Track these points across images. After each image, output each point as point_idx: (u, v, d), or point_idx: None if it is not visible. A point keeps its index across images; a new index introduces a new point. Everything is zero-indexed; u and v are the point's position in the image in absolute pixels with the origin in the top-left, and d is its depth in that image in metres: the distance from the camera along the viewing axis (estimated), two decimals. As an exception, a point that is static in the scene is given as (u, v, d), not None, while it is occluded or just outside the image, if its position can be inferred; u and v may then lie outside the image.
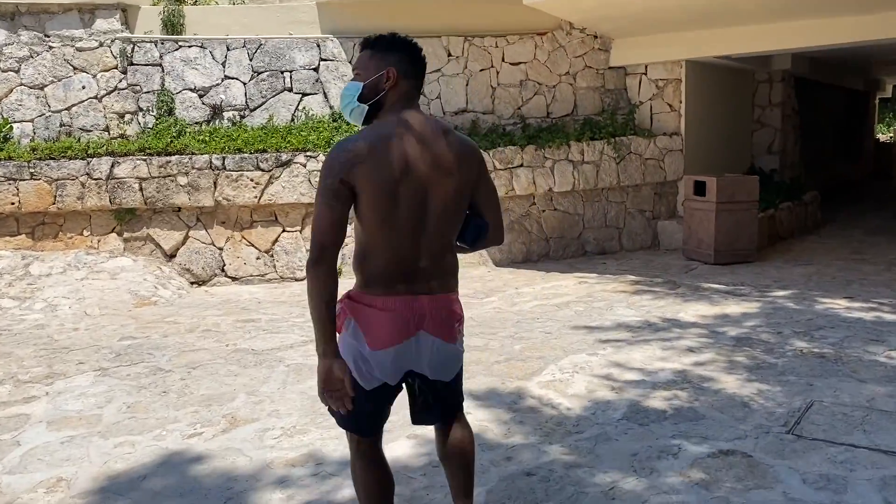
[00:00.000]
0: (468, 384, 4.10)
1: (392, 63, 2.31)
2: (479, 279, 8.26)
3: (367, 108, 2.33)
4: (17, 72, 8.78)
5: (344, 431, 2.51)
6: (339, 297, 2.30)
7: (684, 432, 3.83)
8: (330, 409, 2.35)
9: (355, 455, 2.46)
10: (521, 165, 9.10)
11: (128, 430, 4.14)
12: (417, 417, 2.54)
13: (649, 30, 9.41)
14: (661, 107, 9.93)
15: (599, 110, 10.01)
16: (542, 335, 5.74)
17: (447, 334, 2.40)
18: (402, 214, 2.24)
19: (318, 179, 2.23)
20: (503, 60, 9.74)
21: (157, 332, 6.26)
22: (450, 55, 9.58)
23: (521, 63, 9.79)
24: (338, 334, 2.31)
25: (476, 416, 4.07)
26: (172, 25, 9.13)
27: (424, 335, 2.34)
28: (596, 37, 9.99)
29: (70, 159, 8.29)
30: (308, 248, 2.70)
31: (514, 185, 9.05)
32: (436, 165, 2.28)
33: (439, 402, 2.48)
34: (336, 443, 3.79)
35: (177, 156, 8.40)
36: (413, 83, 2.36)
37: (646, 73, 9.95)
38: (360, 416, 2.36)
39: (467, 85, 9.62)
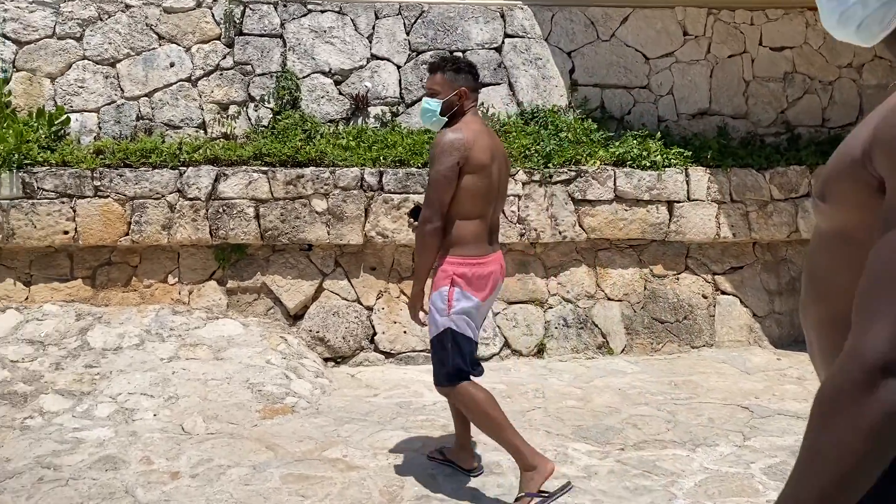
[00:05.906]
0: None
1: (462, 83, 3.23)
2: (778, 374, 5.25)
3: (445, 119, 3.23)
4: (78, 39, 6.05)
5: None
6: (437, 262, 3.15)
7: None
8: (451, 365, 3.10)
9: (473, 390, 3.09)
10: (809, 194, 6.13)
11: None
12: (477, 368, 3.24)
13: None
14: None
15: (894, 118, 6.97)
16: None
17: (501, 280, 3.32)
18: (490, 189, 3.15)
19: (437, 158, 3.07)
20: (760, 44, 6.79)
21: (321, 495, 3.35)
22: (686, 34, 6.66)
23: (785, 48, 6.82)
24: (444, 296, 3.09)
25: None
26: (299, -20, 6.34)
27: (501, 283, 3.28)
28: (890, 13, 6.98)
29: (154, 168, 5.50)
30: None
31: (797, 223, 6.07)
32: (502, 155, 3.27)
33: None
34: None
35: (311, 167, 5.58)
36: (475, 96, 3.31)
37: (967, 66, 6.92)
38: (474, 362, 3.19)
39: (711, 76, 6.69)
